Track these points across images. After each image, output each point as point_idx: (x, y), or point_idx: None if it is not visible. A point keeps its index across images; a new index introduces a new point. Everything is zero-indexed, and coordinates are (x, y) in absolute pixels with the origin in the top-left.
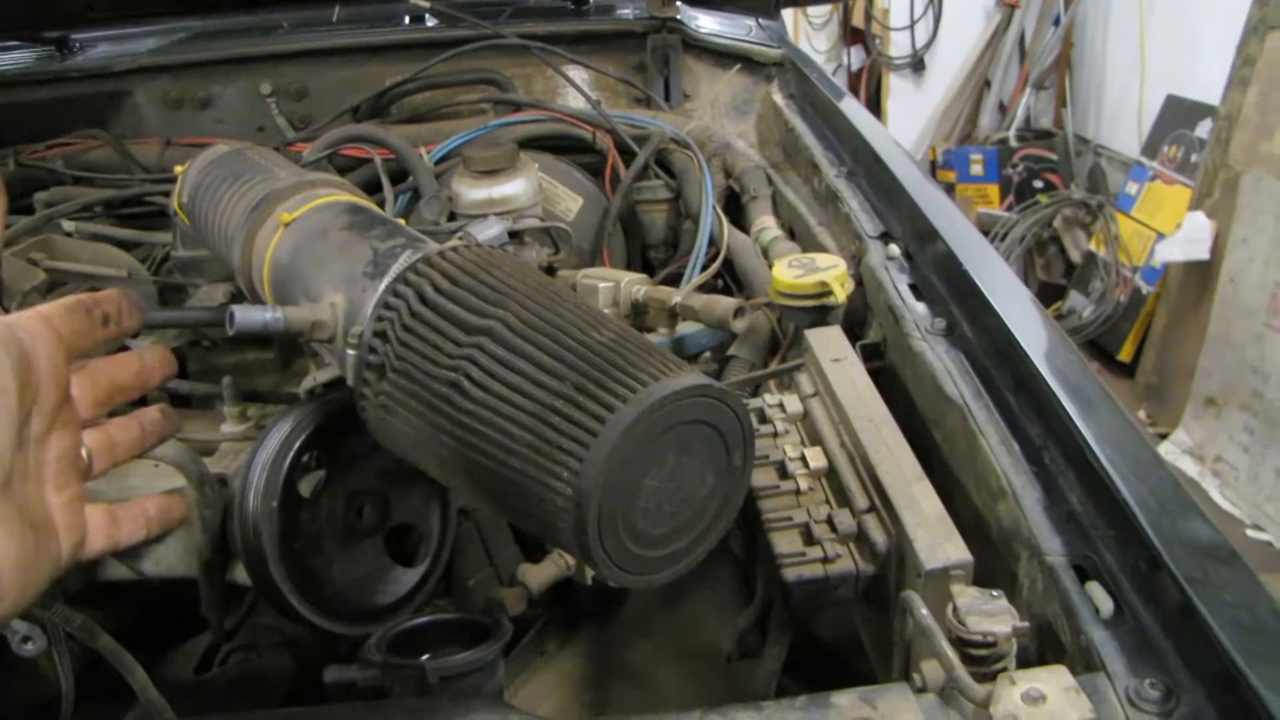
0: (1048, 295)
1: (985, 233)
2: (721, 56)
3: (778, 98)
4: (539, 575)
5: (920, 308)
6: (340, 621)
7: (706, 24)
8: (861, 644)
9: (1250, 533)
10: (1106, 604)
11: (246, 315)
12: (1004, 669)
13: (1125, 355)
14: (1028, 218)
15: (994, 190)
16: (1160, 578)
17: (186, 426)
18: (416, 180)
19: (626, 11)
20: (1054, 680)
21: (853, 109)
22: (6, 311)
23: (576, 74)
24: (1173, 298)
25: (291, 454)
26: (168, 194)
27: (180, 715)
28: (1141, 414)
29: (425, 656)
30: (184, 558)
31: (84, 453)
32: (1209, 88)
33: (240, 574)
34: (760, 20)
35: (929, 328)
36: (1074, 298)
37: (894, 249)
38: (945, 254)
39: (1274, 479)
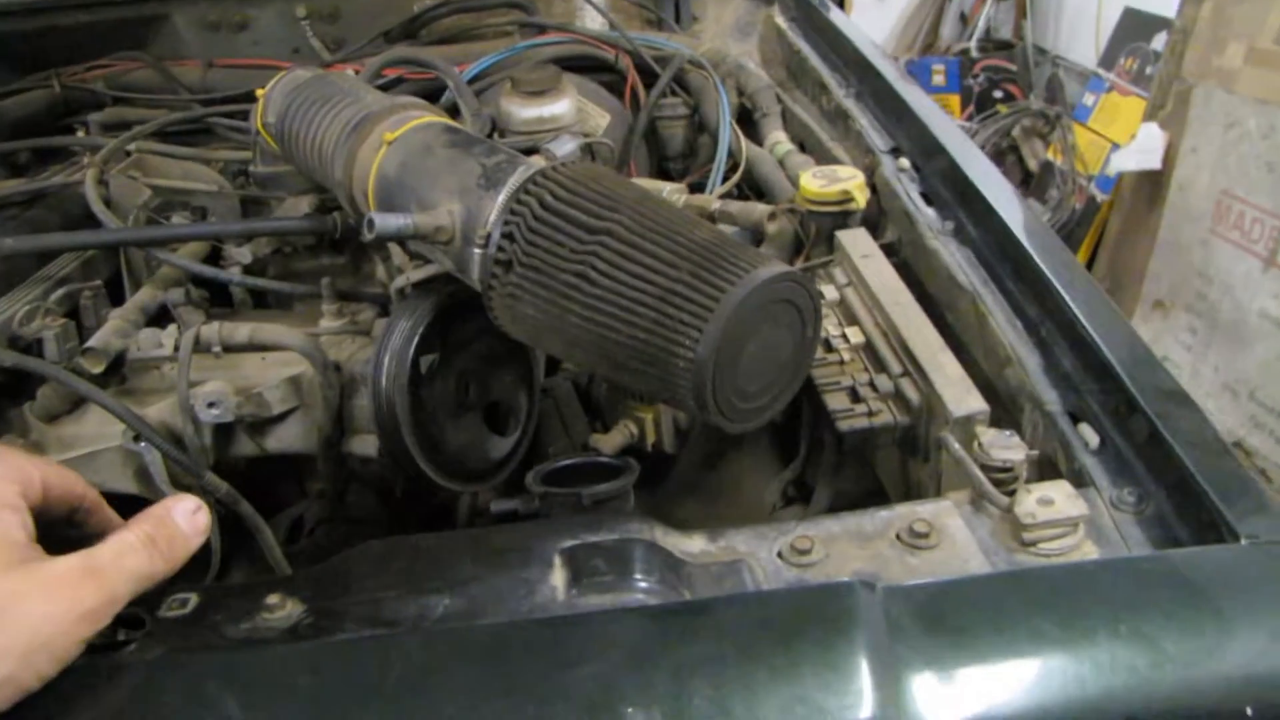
0: None
1: None
2: None
3: (780, 20)
4: (609, 442)
5: (930, 212)
6: (455, 480)
7: None
8: (880, 496)
9: None
10: (1093, 439)
11: (384, 221)
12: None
13: (1080, 260)
14: (987, 127)
15: (955, 100)
16: (1134, 416)
17: (286, 322)
18: (460, 100)
19: None
20: (1059, 490)
21: (852, 31)
22: None
23: None
24: (1125, 205)
25: (416, 340)
26: (229, 115)
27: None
28: None
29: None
30: (303, 435)
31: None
32: (1165, 1)
33: (354, 445)
34: None
35: (939, 229)
36: (1031, 205)
37: (904, 162)
38: (949, 165)
39: (1213, 375)
